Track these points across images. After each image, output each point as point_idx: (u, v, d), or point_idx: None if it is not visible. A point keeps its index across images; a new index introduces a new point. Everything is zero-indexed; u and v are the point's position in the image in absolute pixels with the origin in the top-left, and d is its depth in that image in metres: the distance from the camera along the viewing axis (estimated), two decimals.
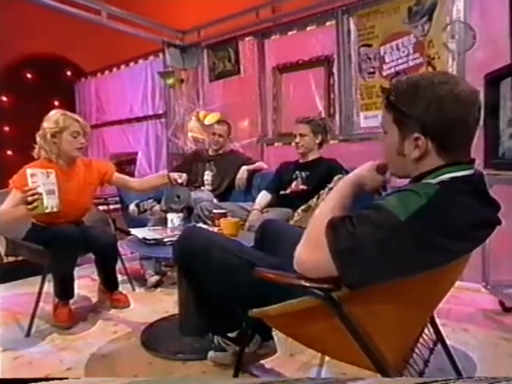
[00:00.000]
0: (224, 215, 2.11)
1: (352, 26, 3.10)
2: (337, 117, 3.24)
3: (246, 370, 1.55)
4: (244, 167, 3.14)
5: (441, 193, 0.86)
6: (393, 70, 2.93)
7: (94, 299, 2.46)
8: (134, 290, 2.62)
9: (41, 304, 2.03)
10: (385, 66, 2.97)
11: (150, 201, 2.87)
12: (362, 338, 0.94)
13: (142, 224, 2.46)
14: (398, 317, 0.98)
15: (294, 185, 2.64)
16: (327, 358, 1.60)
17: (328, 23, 3.23)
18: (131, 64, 4.62)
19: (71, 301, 2.14)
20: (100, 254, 2.25)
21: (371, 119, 3.05)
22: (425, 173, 0.94)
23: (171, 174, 2.31)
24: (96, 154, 5.00)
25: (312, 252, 0.93)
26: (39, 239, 2.03)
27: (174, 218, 2.15)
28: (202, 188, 3.15)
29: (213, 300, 1.43)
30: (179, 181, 2.28)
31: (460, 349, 1.71)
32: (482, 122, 1.05)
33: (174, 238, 1.61)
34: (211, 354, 1.58)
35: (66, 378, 1.51)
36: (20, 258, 2.30)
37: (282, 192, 2.69)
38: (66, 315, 2.07)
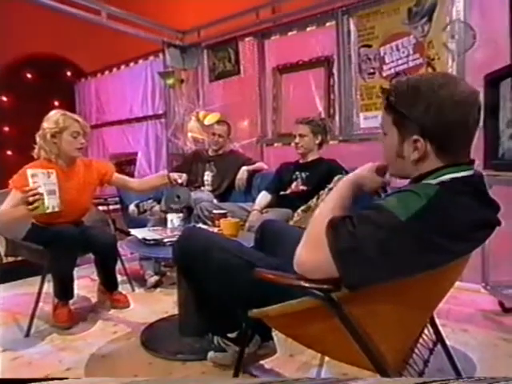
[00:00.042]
0: (224, 215, 2.11)
1: (352, 27, 3.11)
2: (337, 117, 3.24)
3: (245, 371, 1.55)
4: (244, 168, 3.13)
5: (441, 193, 0.86)
6: (393, 70, 2.94)
7: (94, 299, 2.46)
8: (133, 290, 2.62)
9: (40, 304, 2.03)
10: (385, 67, 2.98)
11: (149, 201, 2.87)
12: (362, 338, 0.94)
13: (141, 224, 2.47)
14: (398, 317, 0.98)
15: (293, 185, 2.64)
16: (327, 359, 1.60)
17: (328, 24, 3.23)
18: (131, 64, 4.62)
19: (71, 301, 2.14)
20: (100, 254, 2.25)
21: (371, 120, 3.05)
22: (425, 173, 0.94)
23: (171, 175, 2.31)
24: (96, 154, 5.00)
25: (312, 252, 0.93)
26: (39, 239, 2.03)
27: (173, 219, 2.15)
28: (202, 188, 3.15)
29: (212, 300, 1.43)
30: (179, 181, 2.28)
31: (460, 349, 1.71)
32: (481, 123, 1.06)
33: (174, 239, 1.61)
34: (211, 354, 1.58)
35: (66, 378, 1.50)
36: (20, 258, 2.29)
37: (281, 192, 2.69)
38: (65, 315, 2.07)
